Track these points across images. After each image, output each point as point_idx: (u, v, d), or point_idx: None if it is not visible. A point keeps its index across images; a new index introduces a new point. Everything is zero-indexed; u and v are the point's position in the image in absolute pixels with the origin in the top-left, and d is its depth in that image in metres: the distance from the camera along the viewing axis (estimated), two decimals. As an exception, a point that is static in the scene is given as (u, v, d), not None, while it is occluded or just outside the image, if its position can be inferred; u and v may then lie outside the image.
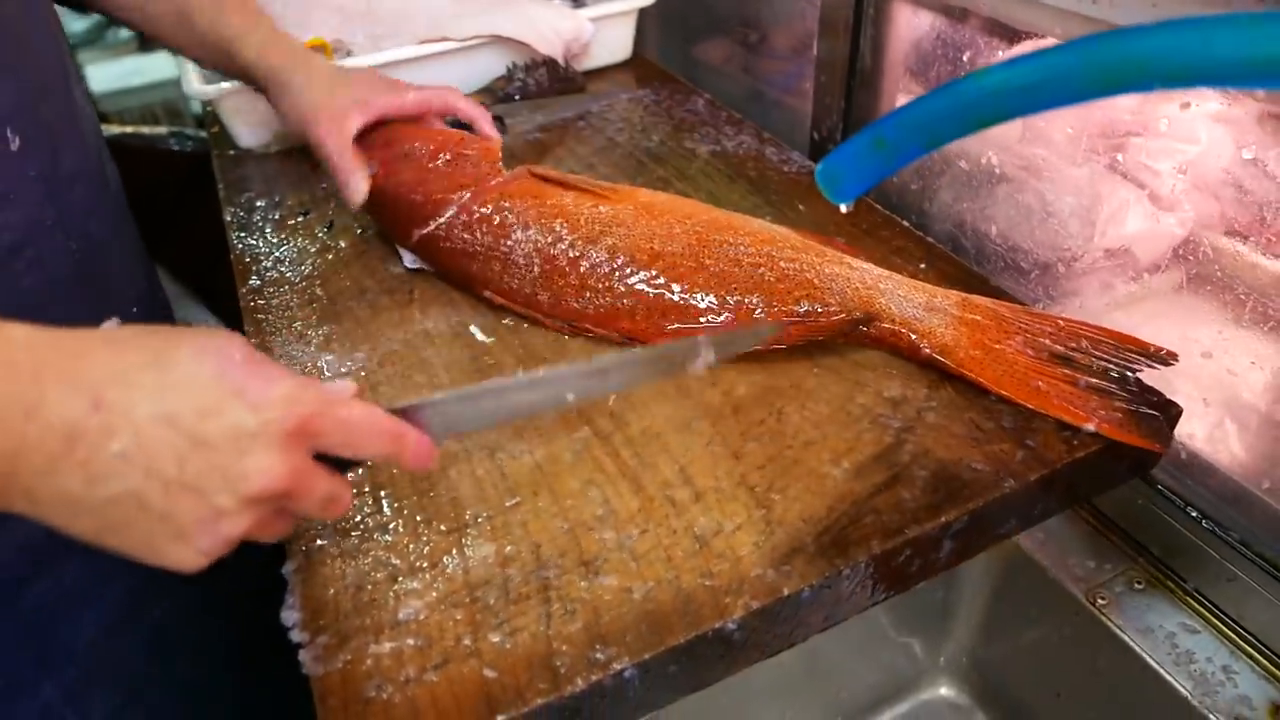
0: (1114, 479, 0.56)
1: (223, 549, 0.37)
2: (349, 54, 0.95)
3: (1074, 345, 0.55)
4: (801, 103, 0.96)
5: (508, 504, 0.50)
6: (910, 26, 0.73)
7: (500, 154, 0.70)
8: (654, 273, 0.59)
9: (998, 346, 0.55)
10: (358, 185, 0.68)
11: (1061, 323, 0.56)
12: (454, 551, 0.48)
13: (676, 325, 0.58)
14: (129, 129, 1.41)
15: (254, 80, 0.72)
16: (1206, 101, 0.64)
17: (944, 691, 0.77)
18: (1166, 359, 0.54)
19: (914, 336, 0.56)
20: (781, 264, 0.59)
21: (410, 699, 0.41)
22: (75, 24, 2.33)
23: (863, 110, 0.80)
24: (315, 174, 0.87)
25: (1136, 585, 0.63)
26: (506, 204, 0.64)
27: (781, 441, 0.53)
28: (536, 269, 0.62)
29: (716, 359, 0.47)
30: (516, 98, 0.97)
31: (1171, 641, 0.59)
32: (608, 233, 0.61)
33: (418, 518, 0.50)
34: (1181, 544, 0.62)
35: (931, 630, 0.75)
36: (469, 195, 0.66)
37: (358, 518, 0.50)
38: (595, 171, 0.83)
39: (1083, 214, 0.72)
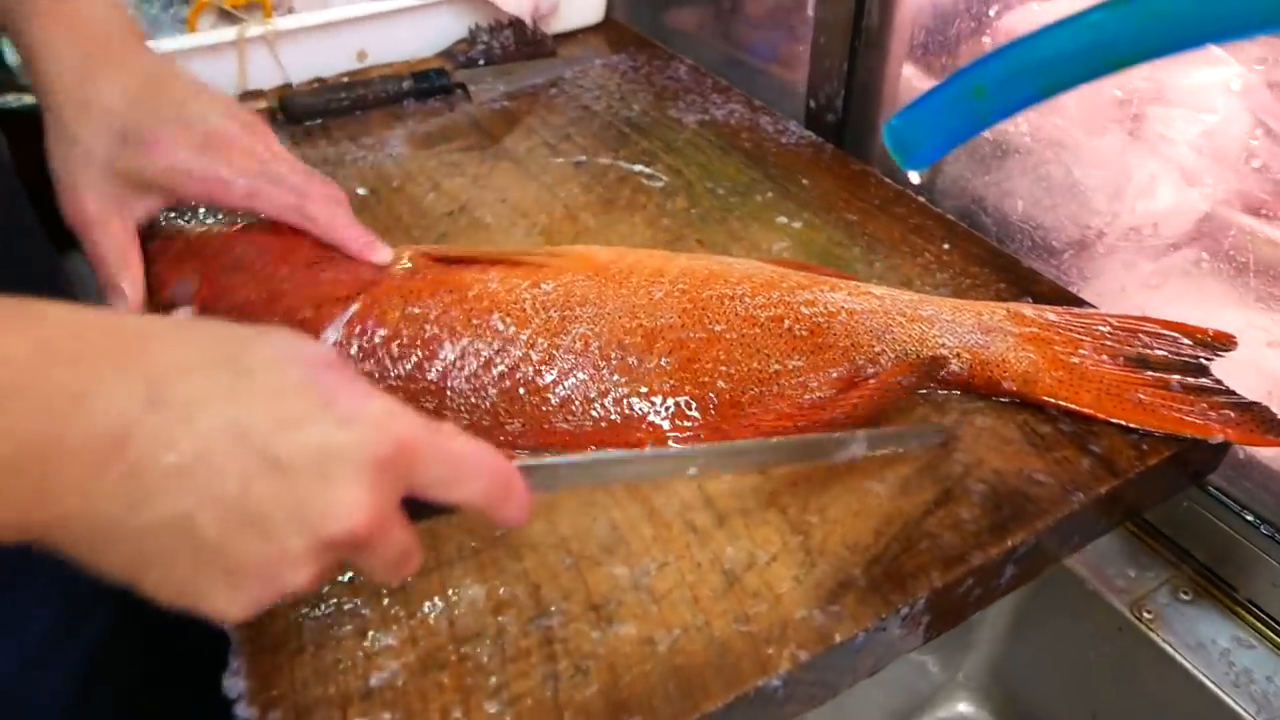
0: (1178, 486, 0.50)
1: (273, 601, 0.29)
2: (290, 10, 0.84)
3: (1140, 344, 0.48)
4: (788, 71, 0.88)
5: (496, 533, 0.42)
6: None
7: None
8: (659, 359, 0.46)
9: (1075, 361, 0.48)
10: (133, 298, 0.45)
11: (1114, 320, 0.50)
12: (435, 597, 0.39)
13: (716, 422, 0.45)
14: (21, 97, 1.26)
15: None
16: (1217, 66, 0.58)
17: (963, 709, 0.71)
18: (1227, 343, 0.49)
19: (990, 373, 0.48)
20: (803, 310, 0.48)
21: (389, 794, 0.33)
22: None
23: (868, 74, 0.73)
24: (254, 146, 0.77)
25: (1183, 595, 0.58)
26: (416, 309, 0.46)
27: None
28: (491, 393, 0.45)
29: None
30: (480, 62, 0.87)
31: (1227, 659, 0.54)
32: (572, 318, 0.46)
33: (388, 554, 0.41)
34: (1231, 550, 0.57)
35: (950, 642, 0.69)
36: (357, 307, 0.46)
37: (315, 555, 0.41)
38: (572, 143, 0.75)
39: (1111, 187, 0.66)
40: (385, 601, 0.39)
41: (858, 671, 0.40)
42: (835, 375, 0.46)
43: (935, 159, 0.33)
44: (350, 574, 0.40)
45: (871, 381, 0.46)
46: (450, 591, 0.40)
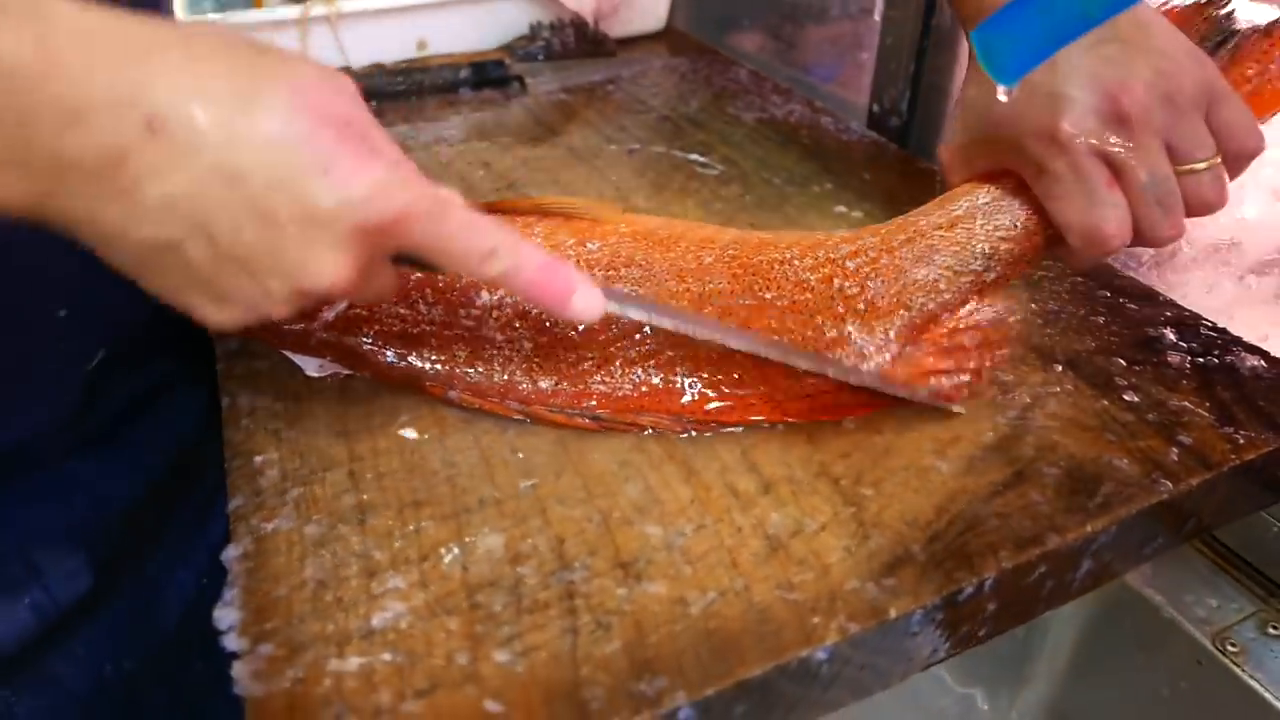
0: (1266, 498, 0.45)
1: (259, 322, 0.32)
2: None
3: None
4: (849, 92, 0.86)
5: (522, 486, 0.39)
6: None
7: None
8: (700, 319, 0.42)
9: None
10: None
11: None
12: (451, 544, 0.36)
13: (770, 393, 0.42)
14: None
15: None
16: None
17: (1016, 751, 0.65)
18: None
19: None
20: (848, 264, 0.44)
21: (381, 738, 0.29)
22: None
23: (935, 75, 0.70)
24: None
25: (1272, 629, 0.52)
26: None
27: (869, 426, 0.42)
28: (527, 346, 0.43)
29: None
30: (539, 58, 0.87)
31: (1325, 702, 0.48)
32: (617, 278, 0.44)
33: (406, 499, 0.39)
34: (1329, 584, 0.51)
35: (1003, 675, 0.64)
36: None
37: (329, 492, 0.39)
38: (627, 133, 0.73)
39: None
40: (397, 544, 0.36)
41: (912, 660, 0.36)
42: (894, 332, 0.42)
43: (1030, 67, 0.30)
44: (362, 517, 0.38)
45: (943, 328, 0.43)
46: (467, 539, 0.37)
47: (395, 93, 0.79)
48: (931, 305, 0.43)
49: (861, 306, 0.43)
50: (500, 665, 0.31)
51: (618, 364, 0.43)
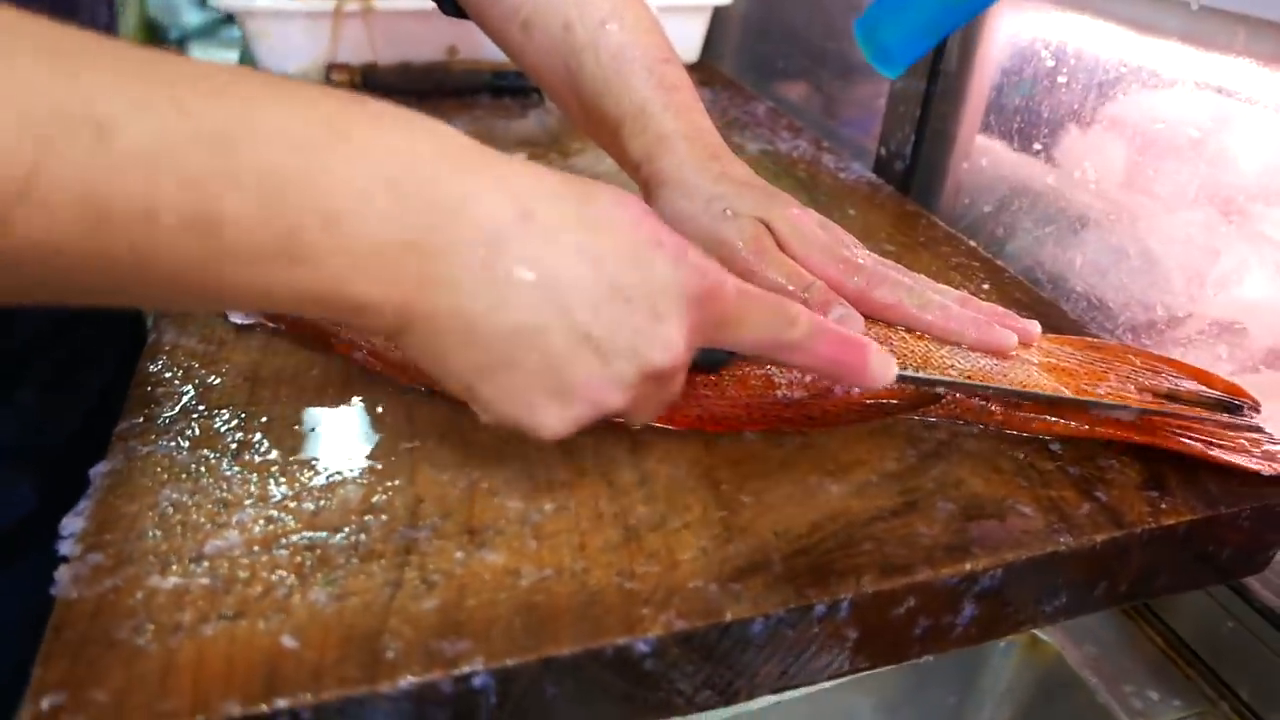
0: (1202, 575, 0.42)
1: (589, 422, 0.32)
2: None
3: (1169, 381, 0.42)
4: (869, 139, 0.86)
5: (402, 446, 0.39)
6: (1012, 22, 0.63)
7: None
8: None
9: (1101, 393, 0.42)
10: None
11: (1138, 355, 0.45)
12: (316, 490, 0.36)
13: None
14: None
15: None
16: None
17: (939, 834, 0.60)
18: (1253, 404, 0.43)
19: (997, 403, 0.42)
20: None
21: (169, 652, 0.29)
22: (192, 17, 2.37)
23: (940, 122, 0.69)
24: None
25: (1215, 734, 0.48)
26: None
27: (772, 440, 0.41)
28: None
29: None
30: (565, 75, 0.89)
31: (1259, 817, 0.44)
32: None
33: (286, 445, 0.39)
34: (1283, 690, 0.47)
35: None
36: None
37: (216, 426, 0.39)
38: (629, 150, 0.74)
39: (1190, 266, 0.59)
40: (261, 482, 0.36)
41: (757, 676, 0.34)
42: (812, 379, 0.41)
43: (914, 57, 0.29)
44: (237, 454, 0.38)
45: (853, 393, 0.41)
46: (330, 487, 0.36)
47: (417, 91, 0.82)
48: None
49: None
50: (313, 604, 0.31)
51: None
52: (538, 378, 0.30)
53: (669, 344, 0.31)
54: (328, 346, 0.44)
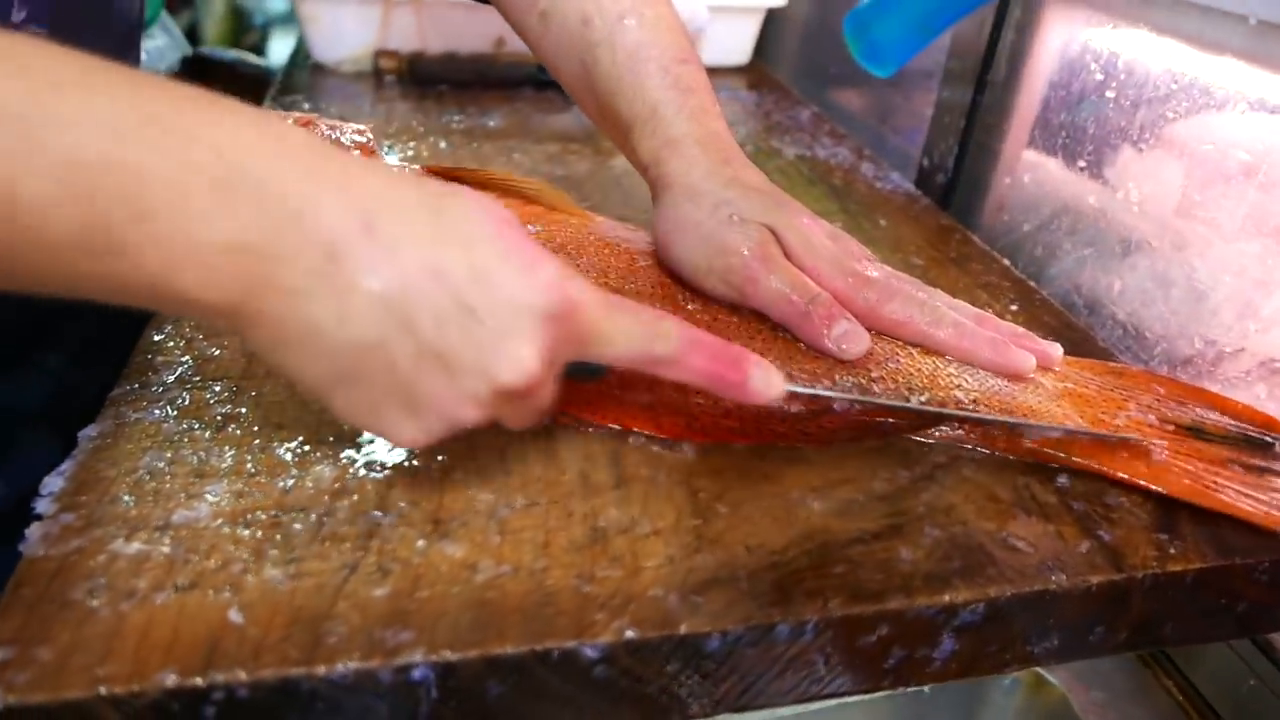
0: (1216, 629, 0.39)
1: (445, 435, 0.31)
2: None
3: (1195, 414, 0.40)
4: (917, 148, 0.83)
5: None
6: (1062, 33, 0.60)
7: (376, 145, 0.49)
8: None
9: (1117, 423, 0.40)
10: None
11: (1165, 384, 0.42)
12: (289, 466, 0.36)
13: (652, 400, 0.39)
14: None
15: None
16: None
17: None
18: None
19: (1007, 422, 0.40)
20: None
21: (119, 617, 0.29)
22: (276, 3, 2.42)
23: (985, 134, 0.67)
24: (376, 94, 0.81)
25: (1226, 799, 0.45)
26: None
27: (758, 452, 0.39)
28: None
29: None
30: (610, 71, 0.88)
31: None
32: None
33: (272, 420, 0.39)
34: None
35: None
36: None
37: (207, 398, 0.40)
38: (663, 149, 0.73)
39: (1241, 300, 0.56)
40: (239, 456, 0.37)
41: (716, 697, 0.33)
42: (797, 369, 0.40)
43: (907, 56, 0.28)
44: (222, 426, 0.38)
45: (851, 410, 0.39)
46: (306, 466, 0.36)
47: (461, 81, 0.83)
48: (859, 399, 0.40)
49: (788, 354, 0.41)
50: (266, 581, 0.31)
51: None
52: (387, 391, 0.30)
53: (520, 363, 0.30)
54: None
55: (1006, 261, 0.59)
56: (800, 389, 0.38)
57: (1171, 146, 0.56)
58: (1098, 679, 0.50)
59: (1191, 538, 0.37)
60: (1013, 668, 0.37)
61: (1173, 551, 0.36)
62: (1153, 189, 0.57)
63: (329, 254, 0.28)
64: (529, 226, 0.45)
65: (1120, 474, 0.38)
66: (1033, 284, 0.56)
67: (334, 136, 0.48)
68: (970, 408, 0.40)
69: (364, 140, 0.49)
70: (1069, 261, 0.60)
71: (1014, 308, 0.53)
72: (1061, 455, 0.39)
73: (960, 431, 0.40)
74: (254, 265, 0.27)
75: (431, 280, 0.29)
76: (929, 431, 0.41)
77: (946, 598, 0.33)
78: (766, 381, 0.33)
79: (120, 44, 0.48)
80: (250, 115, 0.28)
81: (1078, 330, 0.52)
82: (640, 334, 0.33)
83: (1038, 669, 0.51)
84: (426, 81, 0.83)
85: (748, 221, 0.42)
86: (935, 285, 0.54)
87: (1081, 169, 0.60)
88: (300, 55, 0.89)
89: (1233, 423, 0.40)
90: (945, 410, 0.39)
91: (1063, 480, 0.39)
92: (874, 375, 0.40)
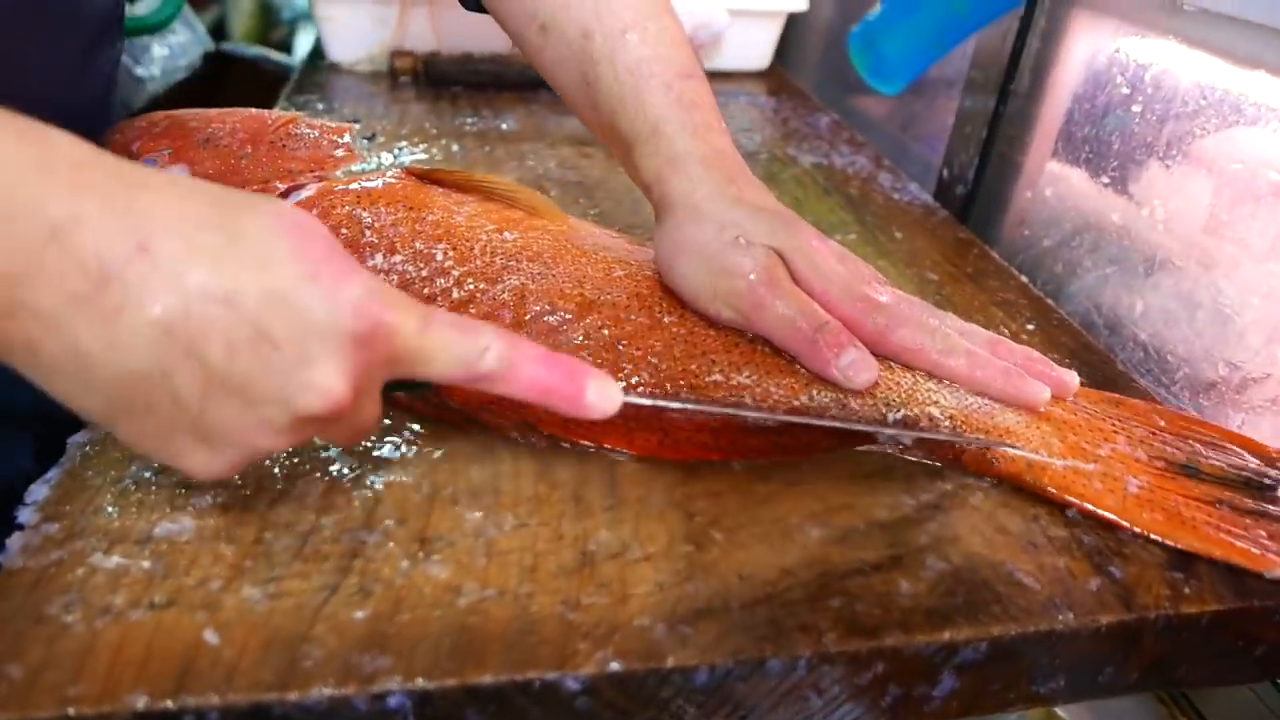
0: (1235, 670, 0.37)
1: (247, 464, 0.30)
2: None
3: (1191, 449, 0.38)
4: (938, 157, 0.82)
5: (375, 452, 0.38)
6: (1088, 43, 0.58)
7: (360, 144, 0.48)
8: (584, 332, 0.40)
9: (1101, 454, 0.39)
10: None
11: (1164, 416, 0.40)
12: (281, 481, 0.36)
13: (626, 412, 0.36)
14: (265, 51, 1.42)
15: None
16: None
17: None
18: None
19: (978, 443, 0.39)
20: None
21: (93, 634, 0.28)
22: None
23: (1007, 146, 0.65)
24: (390, 95, 0.81)
25: (1241, 846, 0.43)
26: (365, 213, 0.43)
27: (758, 473, 0.38)
28: None
29: None
30: (626, 75, 0.87)
31: None
32: (514, 270, 0.41)
33: (263, 430, 0.38)
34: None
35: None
36: (308, 194, 0.44)
37: (196, 410, 0.39)
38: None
39: (1269, 324, 0.54)
40: (227, 468, 0.36)
41: (705, 729, 0.32)
42: (782, 405, 0.39)
43: (916, 72, 0.26)
44: (214, 434, 0.37)
45: (825, 419, 0.38)
46: (293, 478, 0.36)
47: (475, 81, 0.82)
48: (830, 413, 0.39)
49: (764, 368, 0.40)
50: (244, 601, 0.30)
51: None
52: (175, 422, 0.28)
53: (323, 389, 0.28)
54: None
55: (1025, 278, 0.57)
56: (639, 400, 0.37)
57: (1200, 163, 0.54)
58: (1109, 714, 0.49)
59: (1208, 577, 0.35)
60: (1017, 708, 0.36)
61: (1187, 591, 0.34)
62: (1179, 206, 0.55)
63: (96, 277, 0.25)
64: (505, 234, 0.44)
65: (1087, 505, 0.37)
66: (1051, 302, 0.54)
67: (313, 136, 0.47)
68: (947, 425, 0.39)
69: (346, 140, 0.48)
70: (1090, 279, 0.59)
71: (1030, 327, 0.52)
72: (1029, 480, 0.38)
73: (946, 449, 0.39)
74: (11, 289, 0.25)
75: (221, 305, 0.26)
76: (923, 450, 0.39)
77: (947, 635, 0.32)
78: (603, 394, 0.31)
79: (95, 35, 0.47)
80: (15, 126, 0.26)
81: (1096, 352, 0.50)
82: (461, 350, 0.30)
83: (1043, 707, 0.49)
84: (441, 82, 0.82)
85: (754, 244, 0.41)
86: (950, 301, 0.53)
87: (1105, 184, 0.58)
88: (318, 54, 0.89)
89: (1234, 462, 0.39)
90: (813, 420, 0.38)
91: (1075, 513, 0.38)
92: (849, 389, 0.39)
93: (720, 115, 0.46)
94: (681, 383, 0.39)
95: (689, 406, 0.38)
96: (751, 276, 0.40)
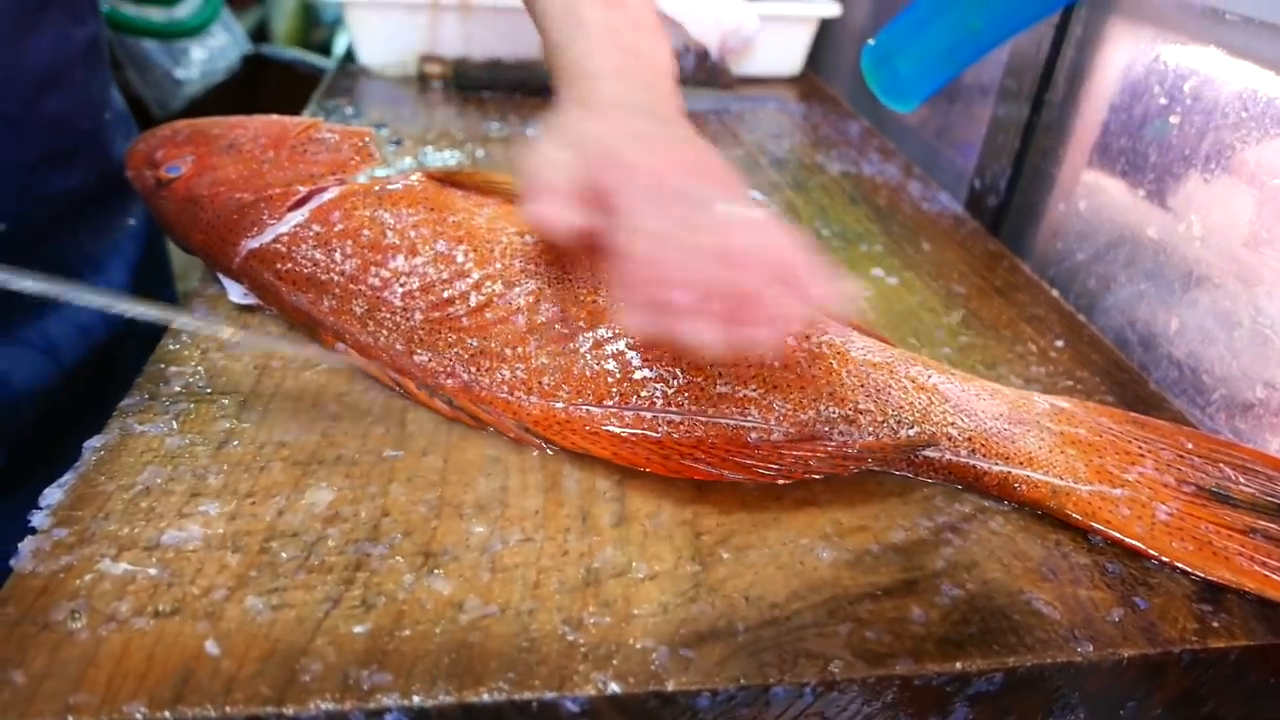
0: (1265, 710, 0.36)
1: None
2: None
3: (1222, 474, 0.37)
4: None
5: (386, 454, 0.38)
6: (1125, 52, 0.57)
7: (384, 149, 0.49)
8: (593, 341, 0.39)
9: (1129, 479, 0.37)
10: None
11: (1192, 440, 0.39)
12: (287, 490, 0.36)
13: (634, 424, 0.38)
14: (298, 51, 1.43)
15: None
16: None
17: None
18: None
19: (999, 468, 0.37)
20: (788, 342, 0.40)
21: (97, 642, 0.29)
22: None
23: (1041, 156, 0.63)
24: (419, 99, 0.81)
25: None
26: (387, 215, 0.43)
27: (772, 492, 0.38)
28: (417, 318, 0.41)
29: None
30: (655, 80, 0.87)
31: None
32: (532, 273, 0.41)
33: (274, 438, 0.38)
34: None
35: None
36: (331, 195, 0.45)
37: (213, 413, 0.39)
38: (703, 162, 0.71)
39: (1314, 343, 0.52)
40: (236, 475, 0.36)
41: (707, 754, 0.31)
42: (792, 421, 0.38)
43: (931, 90, 0.26)
44: (224, 442, 0.38)
45: (830, 445, 0.37)
46: (301, 488, 0.36)
47: (503, 86, 0.82)
48: (841, 431, 0.39)
49: (773, 382, 0.39)
50: (246, 611, 0.30)
51: (495, 358, 0.40)
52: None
53: None
54: (315, 336, 0.44)
55: (1056, 292, 0.55)
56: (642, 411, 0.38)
57: (1241, 176, 0.52)
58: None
59: (1238, 611, 0.34)
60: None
61: (1216, 625, 0.33)
62: (1219, 221, 0.53)
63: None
64: (523, 236, 0.43)
65: (1114, 532, 0.36)
66: (1083, 318, 0.53)
67: (334, 140, 0.48)
68: (965, 448, 0.38)
69: (367, 144, 0.48)
70: (1124, 294, 0.57)
71: (1059, 343, 0.50)
72: (1052, 506, 0.37)
73: (945, 472, 0.38)
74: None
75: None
76: (919, 469, 0.38)
77: (959, 665, 0.31)
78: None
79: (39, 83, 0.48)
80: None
81: (1129, 371, 0.48)
82: None
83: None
84: (470, 87, 0.82)
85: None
86: (978, 315, 0.52)
87: (1142, 196, 0.56)
88: (350, 58, 0.90)
89: (1269, 487, 0.37)
90: (820, 442, 0.37)
91: (1099, 539, 0.36)
92: (861, 407, 0.38)
93: (656, 21, 0.47)
94: (690, 396, 0.38)
95: (689, 418, 0.37)
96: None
